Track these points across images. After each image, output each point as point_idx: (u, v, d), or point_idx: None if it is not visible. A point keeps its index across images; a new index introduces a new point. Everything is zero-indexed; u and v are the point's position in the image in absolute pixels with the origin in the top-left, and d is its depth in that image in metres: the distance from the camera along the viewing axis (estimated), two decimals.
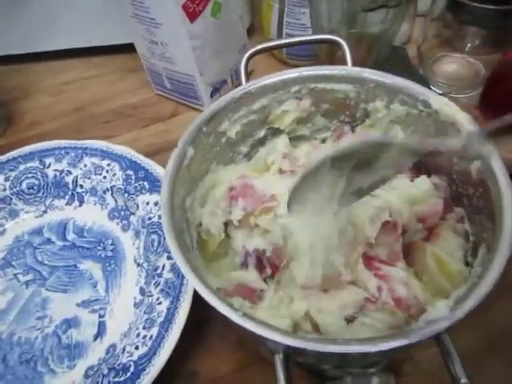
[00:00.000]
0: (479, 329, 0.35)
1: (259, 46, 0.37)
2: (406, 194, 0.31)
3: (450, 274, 0.28)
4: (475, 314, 0.35)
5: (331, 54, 0.46)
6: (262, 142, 0.38)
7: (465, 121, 0.30)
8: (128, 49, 0.53)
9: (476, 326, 0.35)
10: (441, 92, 0.51)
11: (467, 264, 0.30)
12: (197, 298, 0.33)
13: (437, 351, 0.24)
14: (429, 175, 0.34)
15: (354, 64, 0.36)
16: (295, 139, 0.39)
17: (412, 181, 0.33)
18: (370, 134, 0.34)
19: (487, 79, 0.41)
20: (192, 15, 0.42)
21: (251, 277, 0.30)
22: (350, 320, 0.28)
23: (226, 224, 0.34)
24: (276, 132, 0.38)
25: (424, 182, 0.33)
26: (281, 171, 0.35)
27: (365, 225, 0.28)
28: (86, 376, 0.33)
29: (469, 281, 0.26)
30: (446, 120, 0.31)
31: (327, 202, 0.30)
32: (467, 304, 0.22)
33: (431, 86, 0.51)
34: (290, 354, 0.25)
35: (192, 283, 0.25)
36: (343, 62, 0.37)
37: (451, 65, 0.52)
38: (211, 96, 0.50)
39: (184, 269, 0.25)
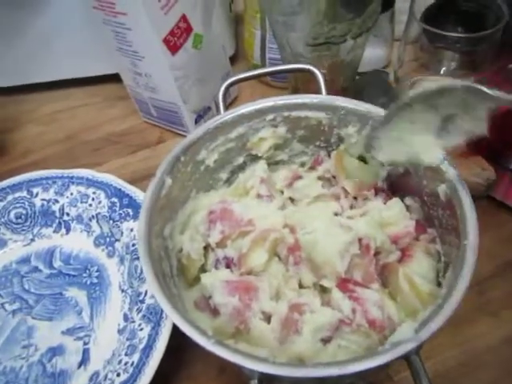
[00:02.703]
0: (458, 347, 0.35)
1: (236, 77, 0.38)
2: (377, 217, 0.32)
3: (422, 295, 0.29)
4: (454, 331, 0.36)
5: (305, 80, 0.48)
6: (241, 167, 0.39)
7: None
8: (116, 78, 0.55)
9: (455, 345, 0.35)
10: None
11: (439, 284, 0.30)
12: None
13: None
14: (402, 197, 0.35)
15: (328, 91, 0.38)
16: (274, 164, 0.40)
17: (385, 203, 0.35)
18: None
19: None
20: (173, 48, 0.44)
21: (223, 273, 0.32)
22: (326, 341, 0.28)
23: (206, 248, 0.34)
24: (255, 158, 0.39)
25: (396, 204, 0.34)
26: (259, 196, 0.37)
27: (335, 260, 0.29)
28: None
29: (436, 302, 0.26)
30: None
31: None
32: (431, 326, 0.23)
33: None
34: (264, 379, 0.25)
35: (167, 312, 0.25)
36: (317, 89, 0.38)
37: None
38: (196, 122, 0.51)
39: (158, 297, 0.26)
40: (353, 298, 0.29)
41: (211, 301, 0.31)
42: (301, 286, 0.32)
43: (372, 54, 0.56)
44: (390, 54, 0.59)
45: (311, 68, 0.39)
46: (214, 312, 0.31)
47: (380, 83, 0.53)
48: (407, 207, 0.35)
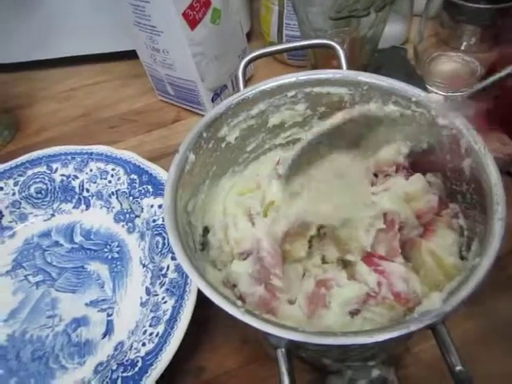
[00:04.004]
0: (479, 319, 0.36)
1: (256, 53, 0.38)
2: (400, 192, 0.32)
3: (446, 268, 0.29)
4: (474, 304, 0.36)
5: (324, 57, 0.47)
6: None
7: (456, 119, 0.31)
8: (132, 55, 0.54)
9: (476, 317, 0.36)
10: (437, 92, 0.52)
11: (462, 258, 0.30)
12: (201, 296, 0.34)
13: (435, 343, 0.25)
14: (423, 174, 0.35)
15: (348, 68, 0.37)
16: (293, 143, 0.40)
17: (407, 179, 0.35)
18: (354, 110, 0.34)
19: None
20: (192, 22, 0.43)
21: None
22: (354, 313, 0.29)
23: None
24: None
25: (418, 180, 0.33)
26: (278, 176, 0.36)
27: (360, 235, 0.29)
28: (96, 372, 0.35)
29: (462, 273, 0.27)
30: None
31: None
32: (459, 295, 0.23)
33: (428, 86, 0.52)
34: (292, 348, 0.26)
35: (195, 282, 0.26)
36: (338, 65, 0.38)
37: (448, 64, 0.53)
38: (212, 101, 0.51)
39: (187, 268, 0.26)
40: (378, 271, 0.29)
41: (236, 290, 0.31)
42: (323, 262, 0.32)
43: (390, 31, 0.54)
44: (409, 30, 0.58)
45: (332, 43, 0.39)
46: (240, 300, 0.31)
47: (399, 60, 0.53)
48: (429, 183, 0.34)
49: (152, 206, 0.41)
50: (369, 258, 0.30)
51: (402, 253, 0.31)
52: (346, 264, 0.32)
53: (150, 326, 0.34)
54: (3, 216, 0.45)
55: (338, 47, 0.38)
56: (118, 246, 0.42)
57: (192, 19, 0.43)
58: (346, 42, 0.44)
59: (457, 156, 0.31)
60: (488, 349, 0.34)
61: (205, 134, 0.34)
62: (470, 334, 0.35)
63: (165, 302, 0.35)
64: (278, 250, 0.30)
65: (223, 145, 0.36)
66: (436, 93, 0.52)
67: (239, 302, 0.25)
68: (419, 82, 0.51)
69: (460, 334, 0.35)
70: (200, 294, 0.34)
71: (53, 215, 0.45)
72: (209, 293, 0.25)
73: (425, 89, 0.52)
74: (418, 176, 0.34)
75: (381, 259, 0.30)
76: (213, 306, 0.24)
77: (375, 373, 0.31)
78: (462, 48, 0.52)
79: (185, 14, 0.42)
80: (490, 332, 0.35)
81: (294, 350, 0.26)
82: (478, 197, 0.29)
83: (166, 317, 0.33)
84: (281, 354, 0.25)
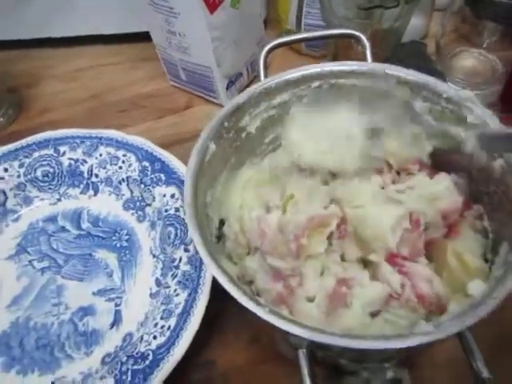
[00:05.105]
0: (497, 325, 0.35)
1: (279, 40, 0.36)
2: (426, 192, 0.31)
3: (471, 270, 0.28)
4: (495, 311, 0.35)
5: (345, 47, 0.46)
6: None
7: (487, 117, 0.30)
8: (142, 37, 0.53)
9: (494, 323, 0.35)
10: (457, 88, 0.51)
11: (486, 261, 0.30)
12: (213, 290, 0.33)
13: (451, 345, 0.25)
14: (447, 173, 0.34)
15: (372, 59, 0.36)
16: None
17: (431, 178, 0.34)
18: None
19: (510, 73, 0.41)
20: (212, 6, 0.41)
21: None
22: (374, 315, 0.28)
23: None
24: None
25: (444, 179, 0.32)
26: (300, 170, 0.35)
27: (386, 235, 0.28)
28: (104, 363, 0.34)
29: (491, 278, 0.26)
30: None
31: None
32: (491, 302, 0.23)
33: (448, 82, 0.51)
34: (313, 348, 0.25)
35: (218, 278, 0.25)
36: (359, 57, 0.37)
37: (468, 60, 0.52)
38: (227, 88, 0.49)
39: (211, 265, 0.25)
40: (402, 272, 0.28)
41: (253, 286, 0.30)
42: (342, 260, 0.32)
43: (410, 25, 0.53)
44: (429, 24, 0.57)
45: (357, 33, 0.37)
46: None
47: (419, 54, 0.51)
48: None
49: (164, 196, 0.40)
50: (392, 258, 0.29)
51: (424, 254, 0.31)
52: (365, 263, 0.31)
53: (162, 318, 0.33)
54: (7, 199, 0.43)
55: (363, 37, 0.37)
56: (126, 235, 0.41)
57: (212, 2, 0.41)
58: (367, 33, 0.43)
59: (487, 156, 0.30)
60: (507, 355, 0.34)
61: (226, 124, 0.32)
62: (488, 339, 0.34)
63: (177, 295, 0.34)
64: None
65: (243, 135, 0.35)
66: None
67: (262, 300, 0.24)
68: (440, 77, 0.50)
69: (479, 341, 0.34)
70: (213, 287, 0.33)
71: (59, 200, 0.44)
72: (232, 290, 0.24)
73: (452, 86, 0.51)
74: (443, 175, 0.33)
75: (404, 260, 0.29)
76: (226, 300, 0.23)
77: (390, 374, 0.31)
78: (484, 45, 0.50)
79: None
80: (510, 338, 0.34)
81: (315, 350, 0.26)
82: (506, 199, 0.28)
83: (179, 310, 0.33)
84: (302, 354, 0.25)
